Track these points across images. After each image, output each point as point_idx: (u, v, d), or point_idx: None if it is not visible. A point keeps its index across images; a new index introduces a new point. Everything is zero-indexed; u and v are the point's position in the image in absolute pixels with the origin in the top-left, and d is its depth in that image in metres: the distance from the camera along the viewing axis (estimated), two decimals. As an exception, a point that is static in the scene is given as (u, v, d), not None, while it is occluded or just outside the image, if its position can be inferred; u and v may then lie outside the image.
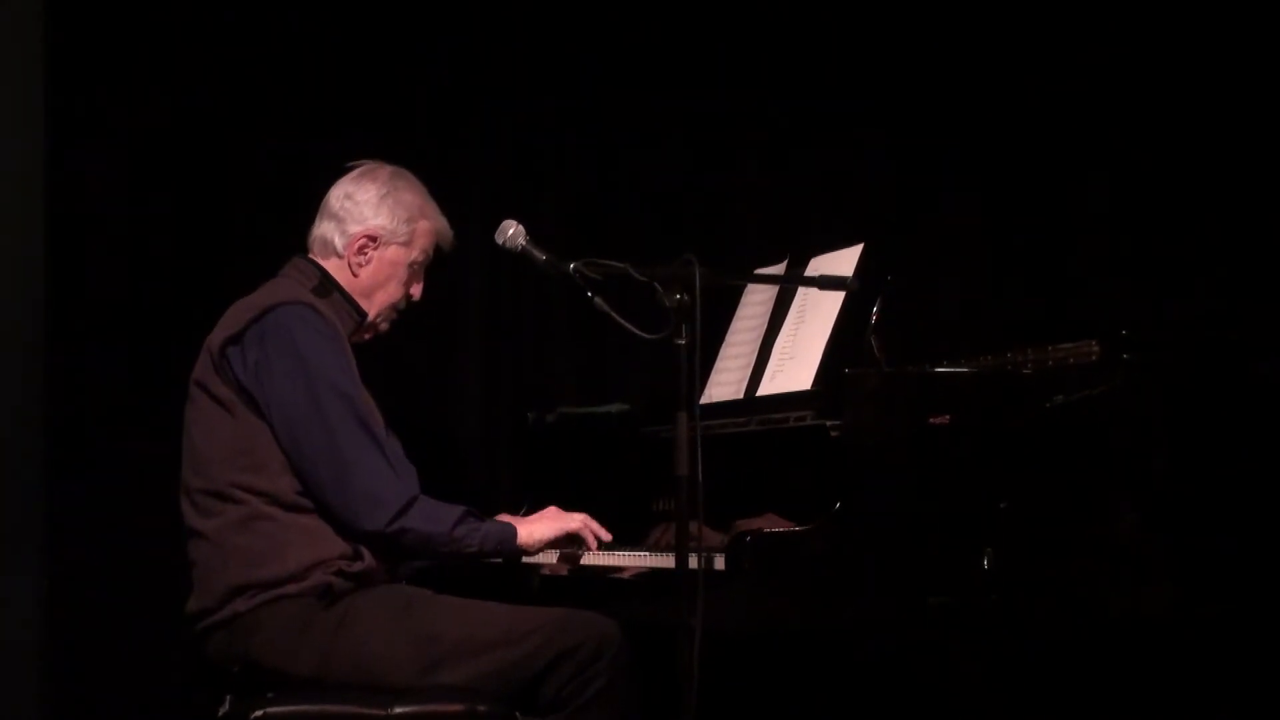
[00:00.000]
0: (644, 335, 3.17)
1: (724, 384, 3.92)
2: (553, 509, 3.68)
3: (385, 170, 3.69)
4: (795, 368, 3.68)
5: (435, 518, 3.46)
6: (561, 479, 4.18)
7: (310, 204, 3.71)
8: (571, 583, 3.74)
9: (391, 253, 3.66)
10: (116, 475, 4.51)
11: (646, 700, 3.40)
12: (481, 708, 3.32)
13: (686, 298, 3.11)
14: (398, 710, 3.30)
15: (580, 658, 3.35)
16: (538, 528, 3.60)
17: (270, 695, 3.33)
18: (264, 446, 3.44)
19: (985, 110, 4.86)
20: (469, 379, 4.94)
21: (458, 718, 3.32)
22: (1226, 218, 4.62)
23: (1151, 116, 4.72)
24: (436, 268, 3.81)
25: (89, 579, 4.51)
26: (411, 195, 3.67)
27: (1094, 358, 3.51)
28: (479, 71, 4.92)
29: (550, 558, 3.73)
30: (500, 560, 3.74)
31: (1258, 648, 3.79)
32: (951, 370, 3.61)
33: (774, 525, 3.35)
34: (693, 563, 3.05)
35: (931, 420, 3.36)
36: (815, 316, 3.70)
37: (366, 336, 3.71)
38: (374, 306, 3.67)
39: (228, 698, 3.38)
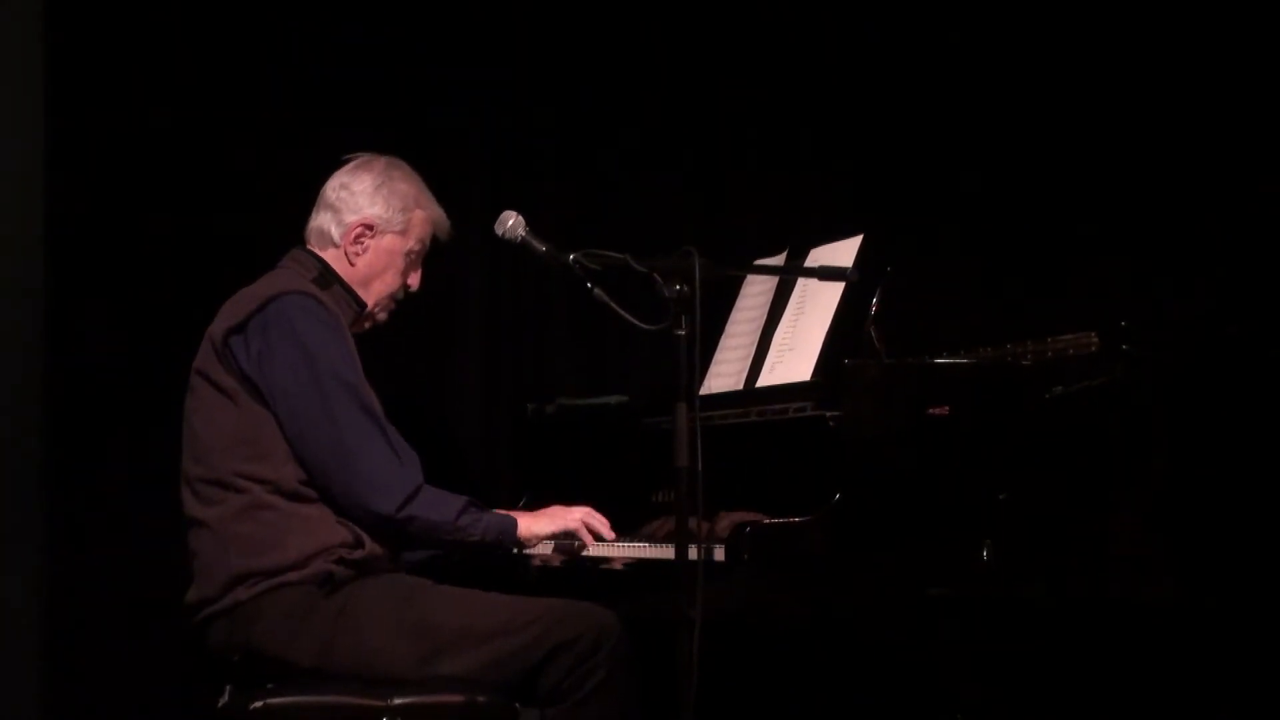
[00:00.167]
0: (643, 326, 3.17)
1: (723, 375, 3.92)
2: (555, 507, 3.69)
3: (380, 161, 3.70)
4: (795, 359, 3.68)
5: (440, 506, 3.47)
6: (561, 470, 4.19)
7: (309, 197, 3.72)
8: (570, 574, 3.75)
9: (388, 242, 3.67)
10: (116, 467, 4.51)
11: (646, 691, 3.40)
12: (481, 699, 3.33)
13: (686, 289, 3.11)
14: (397, 701, 3.31)
15: (580, 649, 3.36)
16: (537, 523, 3.61)
17: (270, 686, 3.34)
18: (267, 435, 3.45)
19: (984, 101, 4.86)
20: (468, 370, 4.94)
21: (457, 709, 3.32)
22: (1227, 210, 4.62)
23: (1153, 108, 4.72)
24: (436, 258, 3.81)
25: (88, 571, 4.50)
26: (407, 185, 3.68)
27: (1093, 349, 3.51)
28: (478, 65, 4.91)
29: (548, 548, 3.74)
30: (499, 551, 3.75)
31: (1257, 639, 3.79)
32: (951, 361, 3.62)
33: (758, 517, 3.35)
34: (693, 553, 3.05)
35: (931, 411, 3.36)
36: (815, 308, 3.70)
37: (365, 326, 3.72)
38: (372, 296, 3.68)
39: (228, 688, 3.38)
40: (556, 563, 3.76)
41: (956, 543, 3.30)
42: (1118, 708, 3.93)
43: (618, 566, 3.63)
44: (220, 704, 3.38)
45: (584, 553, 3.67)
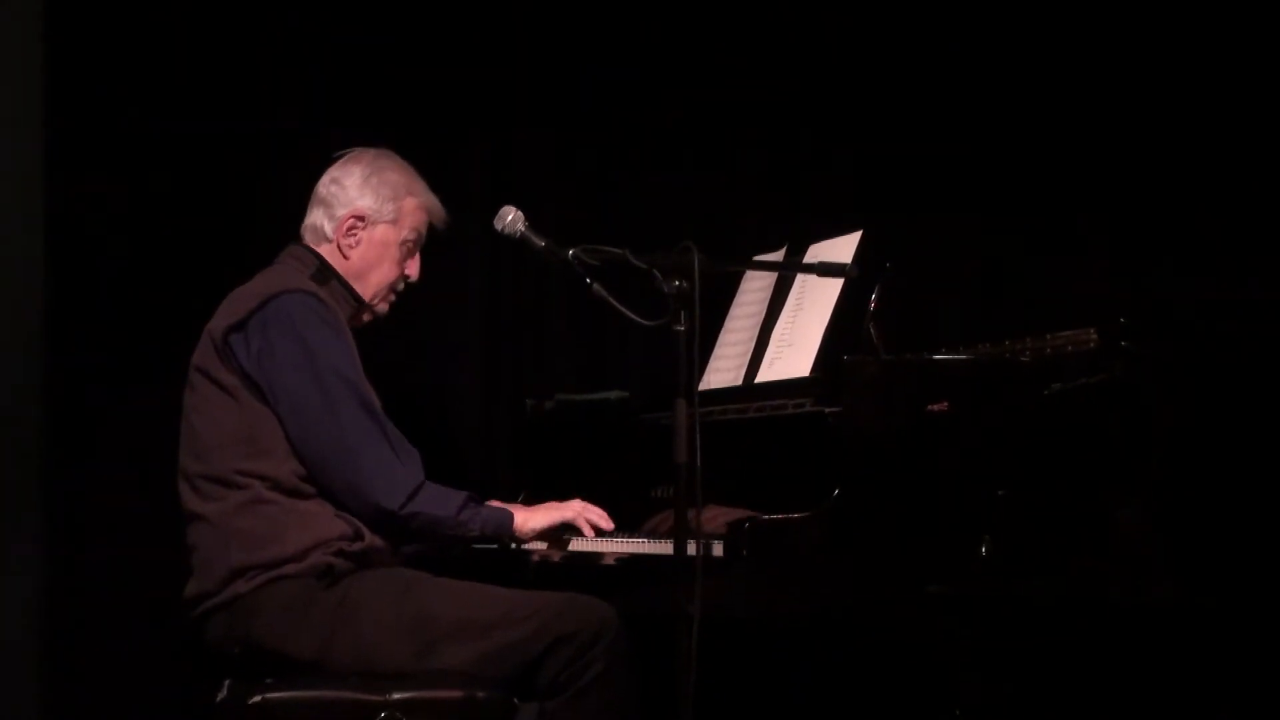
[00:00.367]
0: (643, 322, 3.17)
1: (723, 371, 3.92)
2: (551, 503, 3.69)
3: (369, 153, 3.71)
4: (794, 355, 3.68)
5: (441, 502, 3.48)
6: (560, 466, 4.19)
7: (307, 194, 3.73)
8: (569, 569, 3.75)
9: (380, 232, 3.67)
10: (115, 464, 4.51)
11: (645, 687, 3.40)
12: (480, 693, 3.33)
13: (685, 284, 3.11)
14: (396, 696, 3.31)
15: (578, 642, 3.36)
16: (534, 516, 3.62)
17: (269, 680, 3.34)
18: (267, 433, 3.45)
19: (984, 97, 4.86)
20: (468, 365, 4.93)
21: (456, 703, 3.33)
22: (1227, 206, 4.62)
23: (1152, 104, 4.71)
24: (435, 254, 3.81)
25: (87, 567, 4.50)
26: (396, 174, 3.69)
27: (1092, 346, 3.51)
28: (478, 61, 4.91)
29: (546, 544, 3.74)
30: (496, 545, 3.75)
31: (1255, 636, 3.80)
32: (950, 358, 3.62)
33: (757, 513, 3.35)
34: (691, 549, 3.05)
35: (930, 408, 3.36)
36: (814, 303, 3.70)
37: (366, 319, 3.72)
38: (369, 288, 3.68)
39: (226, 682, 3.39)
40: (556, 558, 3.76)
41: (955, 539, 3.30)
42: (1116, 705, 3.93)
43: (616, 562, 3.63)
44: (219, 698, 3.38)
45: (583, 547, 3.67)
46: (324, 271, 3.63)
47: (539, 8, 4.96)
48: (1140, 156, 4.71)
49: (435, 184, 3.76)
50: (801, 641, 3.95)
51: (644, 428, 3.90)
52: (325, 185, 3.70)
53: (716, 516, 3.47)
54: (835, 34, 5.00)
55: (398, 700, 3.30)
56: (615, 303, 3.21)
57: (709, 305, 3.23)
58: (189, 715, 3.74)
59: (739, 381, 3.81)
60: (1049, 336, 3.60)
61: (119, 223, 4.56)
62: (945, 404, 3.36)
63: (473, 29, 4.90)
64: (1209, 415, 3.51)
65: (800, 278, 3.80)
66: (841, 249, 3.71)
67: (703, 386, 3.69)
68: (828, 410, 3.37)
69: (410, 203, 3.69)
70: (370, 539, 3.46)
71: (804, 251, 3.86)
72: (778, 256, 3.96)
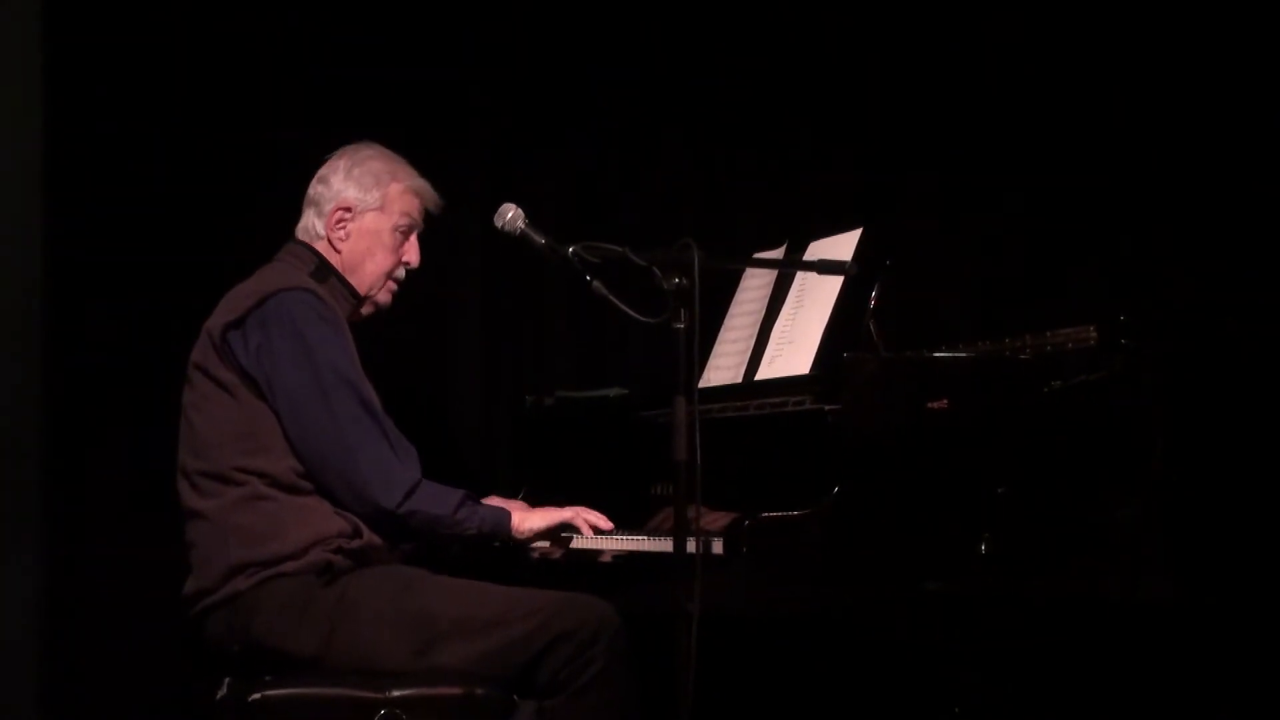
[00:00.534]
0: (642, 319, 3.17)
1: (722, 368, 3.92)
2: (549, 507, 3.69)
3: (351, 147, 3.72)
4: (793, 352, 3.68)
5: (438, 500, 3.49)
6: (559, 463, 4.19)
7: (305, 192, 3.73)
8: (568, 567, 3.75)
9: (369, 220, 3.67)
10: (115, 461, 4.51)
11: (644, 686, 3.40)
12: (480, 690, 3.33)
13: (685, 281, 3.11)
14: (395, 693, 3.31)
15: (578, 640, 3.36)
16: (531, 517, 3.63)
17: (268, 678, 3.34)
18: (266, 430, 3.45)
19: (983, 94, 4.86)
20: (467, 362, 4.93)
21: (456, 700, 3.33)
22: (1226, 203, 4.62)
23: (1151, 101, 4.72)
24: (435, 252, 3.81)
25: (86, 565, 4.50)
26: (379, 162, 3.69)
27: (1092, 343, 3.51)
28: (478, 57, 4.91)
29: (546, 541, 3.74)
30: (493, 543, 3.76)
31: (1254, 634, 3.80)
32: (949, 355, 3.62)
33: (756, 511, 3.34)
34: (691, 546, 3.05)
35: (929, 405, 3.36)
36: (814, 301, 3.70)
37: (368, 311, 3.72)
38: (367, 278, 3.68)
39: (226, 680, 3.39)
40: (556, 555, 3.76)
41: (955, 537, 3.30)
42: (1115, 702, 3.93)
43: (616, 559, 3.63)
44: (219, 696, 3.38)
45: (582, 545, 3.67)
46: (323, 269, 3.63)
47: (539, 7, 4.96)
48: (1140, 153, 4.71)
49: (435, 183, 3.76)
50: (801, 639, 3.95)
51: (644, 425, 3.90)
52: (313, 186, 3.71)
53: (716, 515, 3.47)
54: (835, 31, 5.00)
55: (397, 698, 3.30)
56: (615, 300, 3.21)
57: (709, 302, 3.23)
58: (189, 713, 3.74)
59: (739, 379, 3.81)
60: (1049, 334, 3.61)
61: (118, 221, 4.56)
62: (945, 401, 3.35)
63: (472, 29, 4.90)
64: (1208, 413, 3.51)
65: (800, 275, 3.79)
66: (842, 246, 3.71)
67: (702, 384, 3.69)
68: (827, 408, 3.37)
69: (396, 187, 3.69)
70: (369, 537, 3.46)
71: (804, 249, 3.86)
72: (778, 254, 3.96)
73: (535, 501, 3.82)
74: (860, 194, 4.85)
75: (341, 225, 3.66)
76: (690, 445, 3.04)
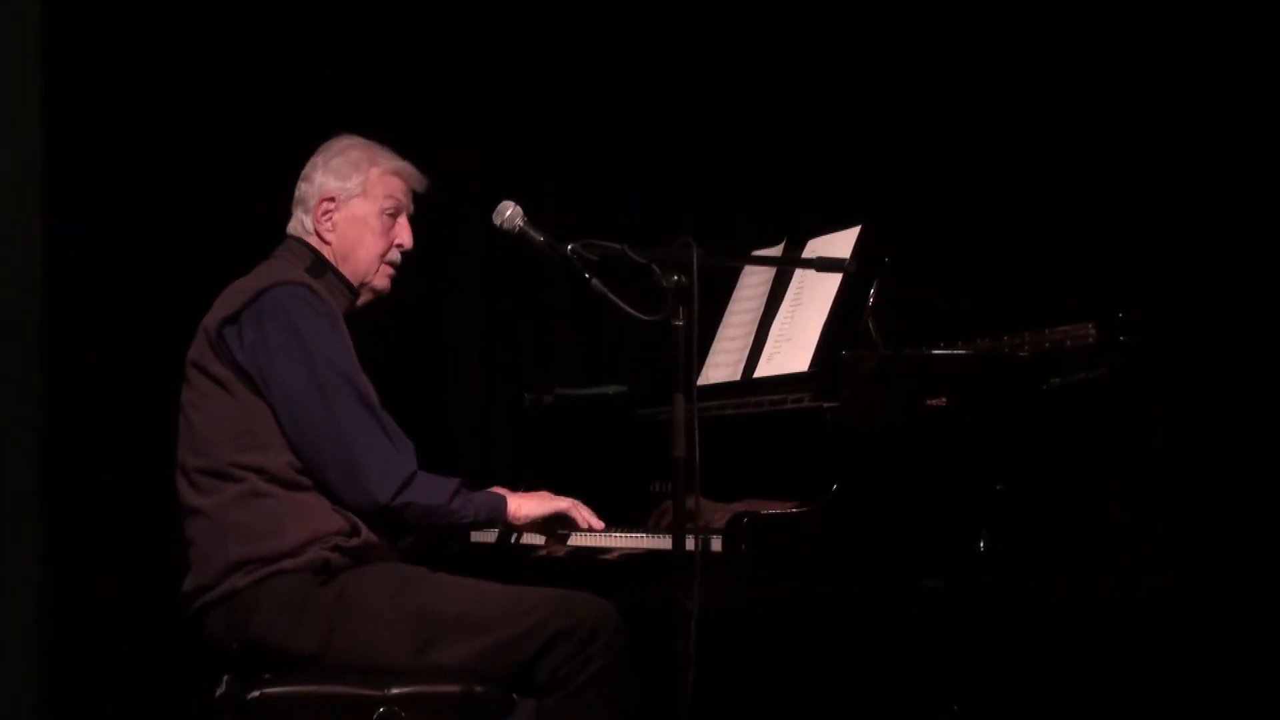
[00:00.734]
0: (641, 317, 3.17)
1: (721, 366, 3.92)
2: (544, 492, 3.69)
3: (328, 142, 3.74)
4: (792, 350, 3.68)
5: (434, 491, 3.49)
6: (558, 461, 4.19)
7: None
8: (567, 565, 3.75)
9: (353, 207, 3.68)
10: (114, 460, 4.51)
11: (643, 684, 3.40)
12: (479, 689, 3.33)
13: (684, 279, 3.11)
14: (395, 691, 3.31)
15: (577, 638, 3.36)
16: (527, 503, 3.62)
17: (267, 676, 3.34)
18: (263, 425, 3.45)
19: (982, 91, 4.86)
20: (466, 360, 4.94)
21: (455, 698, 3.33)
22: (1226, 201, 4.62)
23: (1149, 98, 4.71)
24: (435, 250, 3.81)
25: (86, 563, 4.51)
26: (357, 150, 3.71)
27: (1091, 340, 3.51)
28: (477, 56, 4.90)
29: (544, 538, 3.74)
30: (495, 540, 3.76)
31: (1255, 632, 3.80)
32: (948, 353, 3.61)
33: (755, 508, 3.35)
34: (690, 544, 3.05)
35: (928, 403, 3.36)
36: (812, 298, 3.70)
37: (367, 298, 3.72)
38: (360, 265, 3.69)
39: (225, 678, 3.39)
40: (554, 553, 3.76)
41: (953, 534, 3.30)
42: (1114, 700, 3.93)
43: (614, 557, 3.63)
44: (218, 694, 3.38)
45: (580, 542, 3.67)
46: (318, 264, 3.65)
47: (539, 6, 4.95)
48: (1138, 150, 4.71)
49: (435, 182, 3.76)
50: (800, 636, 3.95)
51: (642, 423, 3.90)
52: (298, 186, 3.73)
53: (716, 512, 3.47)
54: (835, 29, 5.00)
55: (396, 696, 3.30)
56: (614, 298, 3.21)
57: (708, 300, 3.23)
58: (188, 711, 3.75)
59: (737, 376, 3.81)
60: (1047, 331, 3.60)
61: (117, 220, 4.55)
62: (944, 399, 3.35)
63: (472, 27, 4.90)
64: (1207, 410, 3.51)
65: (799, 273, 3.79)
66: (840, 244, 3.71)
67: (701, 381, 3.68)
68: (826, 405, 3.37)
69: (375, 171, 3.70)
70: (367, 535, 3.46)
71: (803, 246, 3.86)
72: (776, 251, 3.95)
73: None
74: (859, 192, 4.85)
75: (328, 216, 3.67)
76: (689, 443, 3.04)
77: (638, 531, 3.64)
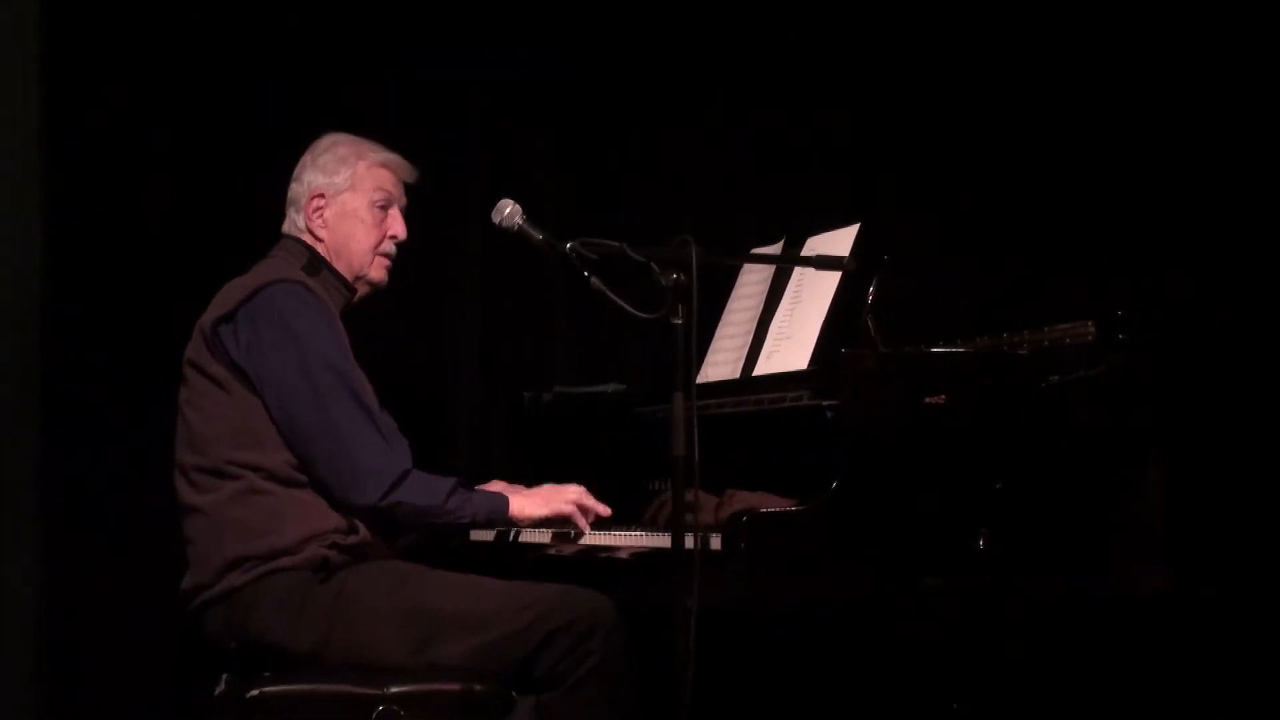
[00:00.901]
0: (640, 315, 3.17)
1: (720, 364, 3.92)
2: (548, 486, 3.68)
3: (315, 141, 3.76)
4: (791, 348, 3.68)
5: (428, 490, 3.48)
6: (557, 459, 4.18)
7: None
8: (566, 561, 3.75)
9: (343, 201, 3.69)
10: (112, 460, 4.50)
11: (642, 682, 3.40)
12: (478, 686, 3.33)
13: (683, 277, 3.11)
14: (394, 690, 3.30)
15: (575, 634, 3.36)
16: (530, 504, 3.61)
17: (266, 674, 3.34)
18: (260, 422, 3.46)
19: (981, 89, 4.85)
20: (465, 358, 4.93)
21: (455, 696, 3.33)
22: (1225, 199, 4.62)
23: (1148, 96, 4.71)
24: (434, 248, 3.81)
25: (84, 562, 4.50)
26: (343, 146, 3.73)
27: (1090, 338, 3.50)
28: (476, 54, 4.90)
29: (544, 536, 3.74)
30: (493, 538, 3.75)
31: (1255, 630, 3.79)
32: (947, 351, 3.61)
33: (768, 504, 3.35)
34: (689, 542, 3.05)
35: (927, 401, 3.36)
36: (811, 297, 3.70)
37: (364, 291, 3.72)
38: (354, 258, 3.69)
39: (224, 677, 3.38)
40: (552, 551, 3.75)
41: (953, 533, 3.30)
42: (1114, 698, 3.93)
43: (614, 555, 3.63)
44: (217, 692, 3.38)
45: (593, 541, 3.66)
46: (314, 262, 3.66)
47: (539, 6, 4.95)
48: (1137, 148, 4.71)
49: (435, 180, 3.76)
50: (799, 634, 3.95)
51: (641, 421, 3.90)
52: (290, 187, 3.75)
53: (722, 509, 3.47)
54: (833, 27, 5.00)
55: (395, 694, 3.30)
56: (613, 296, 3.21)
57: (707, 298, 3.23)
58: (187, 710, 3.74)
59: (737, 375, 3.81)
60: (1047, 330, 3.60)
61: (116, 220, 4.55)
62: (943, 397, 3.35)
63: (471, 26, 4.90)
64: (1206, 408, 3.51)
65: (798, 271, 3.79)
66: (839, 242, 3.71)
67: (700, 379, 3.69)
68: (825, 403, 3.36)
69: (362, 165, 3.71)
70: (365, 532, 3.46)
71: (802, 244, 3.86)
72: (775, 249, 3.95)
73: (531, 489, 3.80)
74: (858, 189, 4.85)
75: (318, 213, 3.68)
76: (688, 441, 3.04)
77: (636, 529, 3.64)
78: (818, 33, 5.01)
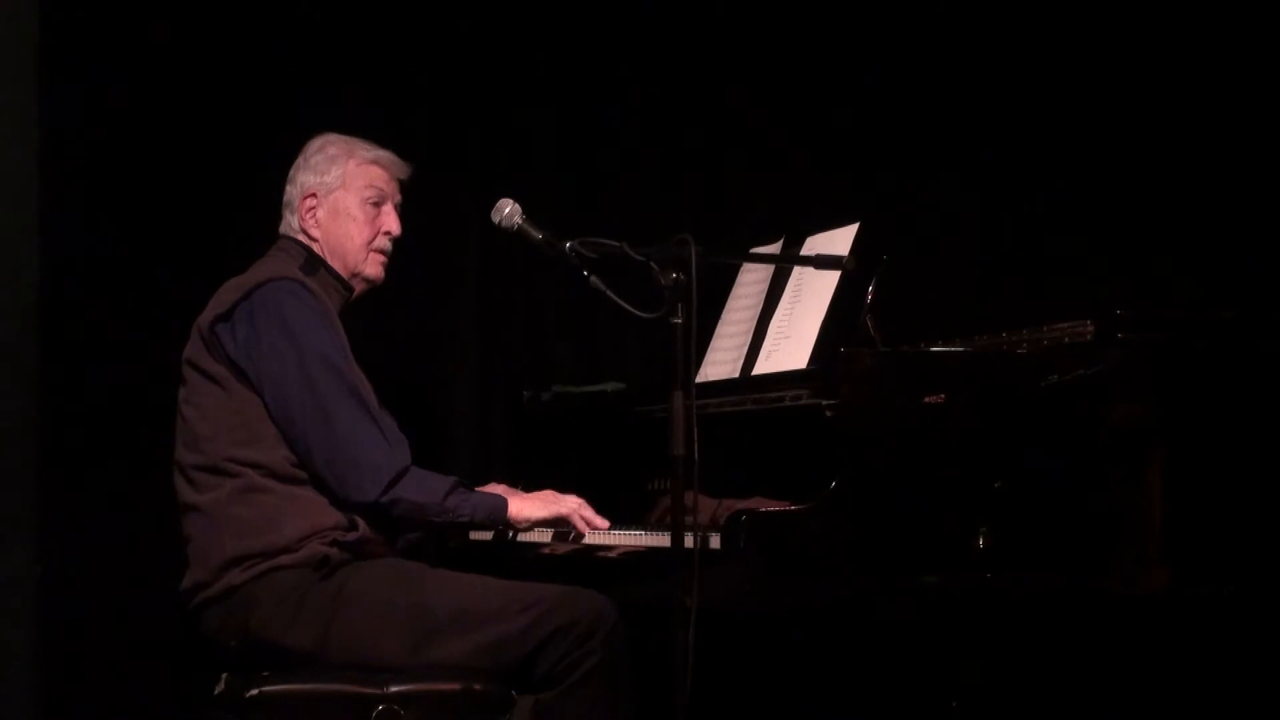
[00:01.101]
0: (640, 314, 3.17)
1: (719, 363, 3.92)
2: (549, 492, 3.69)
3: (308, 142, 3.77)
4: (791, 347, 3.68)
5: (427, 488, 3.48)
6: (556, 458, 4.19)
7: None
8: (567, 561, 3.75)
9: (334, 200, 3.71)
10: (111, 460, 4.50)
11: (642, 679, 3.40)
12: (478, 685, 3.33)
13: (682, 276, 3.11)
14: (394, 689, 3.31)
15: (574, 634, 3.36)
16: (529, 506, 3.61)
17: (266, 674, 3.34)
18: (259, 420, 3.46)
19: (980, 89, 4.86)
20: (464, 357, 4.93)
21: (454, 696, 3.33)
22: (1225, 198, 4.62)
23: (1147, 96, 4.72)
24: (433, 248, 3.81)
25: (83, 562, 4.49)
26: (334, 146, 3.75)
27: (1089, 337, 3.51)
28: (475, 53, 4.90)
29: (545, 536, 3.74)
30: (492, 538, 3.76)
31: (1255, 628, 3.80)
32: (946, 350, 3.61)
33: (754, 505, 3.35)
34: (688, 542, 3.05)
35: (927, 400, 3.36)
36: (811, 296, 3.70)
37: (360, 287, 3.73)
38: (349, 256, 3.71)
39: (224, 675, 3.38)
40: (553, 550, 3.76)
41: (952, 531, 3.30)
42: (1114, 696, 3.93)
43: (613, 555, 3.63)
44: (217, 691, 3.38)
45: (592, 540, 3.67)
46: (311, 261, 3.67)
47: (539, 6, 4.95)
48: (1136, 148, 4.71)
49: (434, 179, 3.76)
50: (798, 633, 3.95)
51: (641, 420, 3.90)
52: (285, 190, 3.77)
53: (722, 509, 3.47)
54: (832, 26, 5.00)
55: (395, 693, 3.30)
56: (612, 295, 3.21)
57: (706, 298, 3.24)
58: (187, 709, 3.74)
59: (736, 374, 3.81)
60: (1045, 328, 3.60)
61: (115, 219, 4.55)
62: (942, 396, 3.35)
63: (471, 24, 4.89)
64: (1205, 407, 3.51)
65: (797, 270, 3.79)
66: (839, 241, 3.71)
67: (700, 379, 3.69)
68: (825, 402, 3.36)
69: (353, 163, 3.73)
70: (365, 529, 3.46)
71: (801, 243, 3.86)
72: (775, 249, 3.95)
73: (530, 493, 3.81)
74: (857, 188, 4.85)
75: (311, 213, 3.70)
76: (688, 440, 3.04)
77: (637, 529, 3.64)
78: (818, 33, 5.01)
